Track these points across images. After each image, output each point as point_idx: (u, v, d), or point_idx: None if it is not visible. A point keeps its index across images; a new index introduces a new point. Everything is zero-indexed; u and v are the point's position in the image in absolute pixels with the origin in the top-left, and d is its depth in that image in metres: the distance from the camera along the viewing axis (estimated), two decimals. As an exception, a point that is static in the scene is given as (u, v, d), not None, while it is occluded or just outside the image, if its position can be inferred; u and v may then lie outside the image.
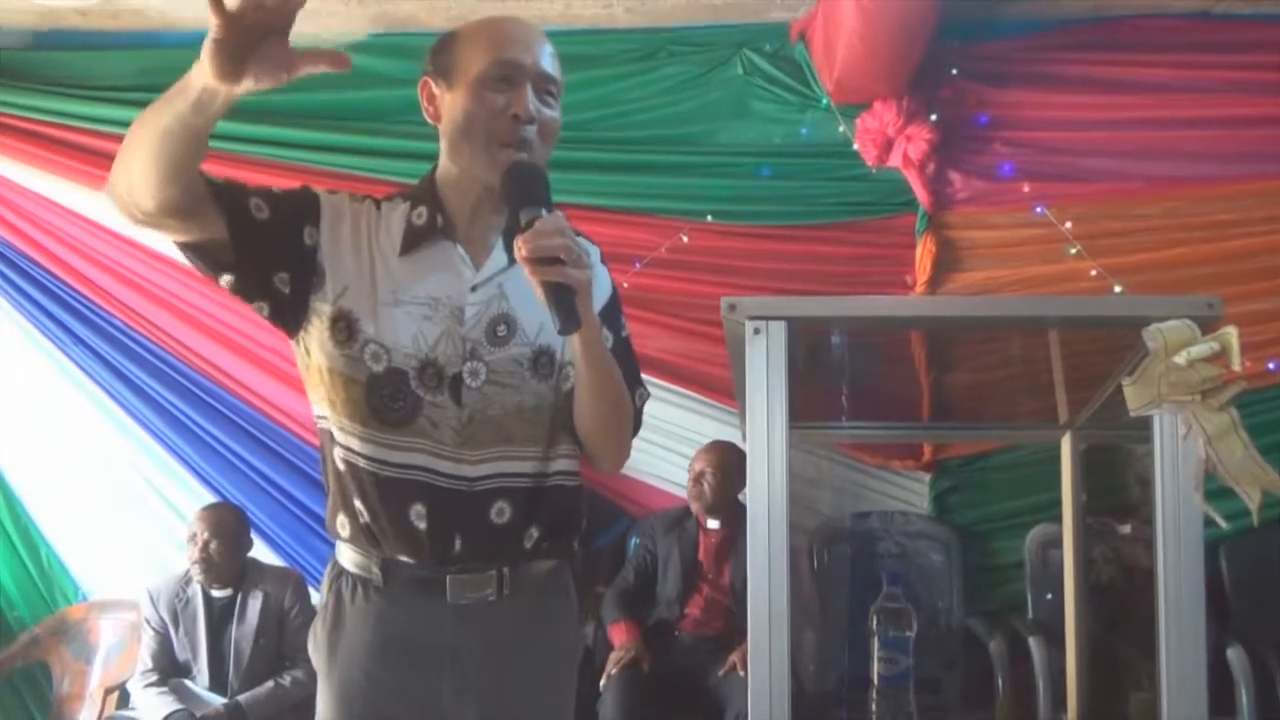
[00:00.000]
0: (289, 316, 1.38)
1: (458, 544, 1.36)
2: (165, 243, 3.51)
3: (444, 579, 1.37)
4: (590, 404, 1.38)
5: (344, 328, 1.37)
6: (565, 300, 1.23)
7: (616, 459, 1.48)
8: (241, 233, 1.31)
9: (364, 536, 1.39)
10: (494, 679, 1.39)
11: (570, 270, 1.23)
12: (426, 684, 1.38)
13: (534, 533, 1.40)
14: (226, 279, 1.33)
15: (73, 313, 3.71)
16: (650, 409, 3.67)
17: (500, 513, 1.38)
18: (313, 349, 1.40)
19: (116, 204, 1.27)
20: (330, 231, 1.38)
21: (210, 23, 1.04)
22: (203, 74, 1.07)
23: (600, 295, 1.43)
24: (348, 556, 1.43)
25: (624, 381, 1.41)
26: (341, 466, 1.40)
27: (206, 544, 3.14)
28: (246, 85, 1.08)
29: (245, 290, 1.35)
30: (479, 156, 1.35)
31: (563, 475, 1.43)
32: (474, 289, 1.38)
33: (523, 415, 1.39)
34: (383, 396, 1.36)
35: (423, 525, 1.36)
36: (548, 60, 1.38)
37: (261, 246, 1.33)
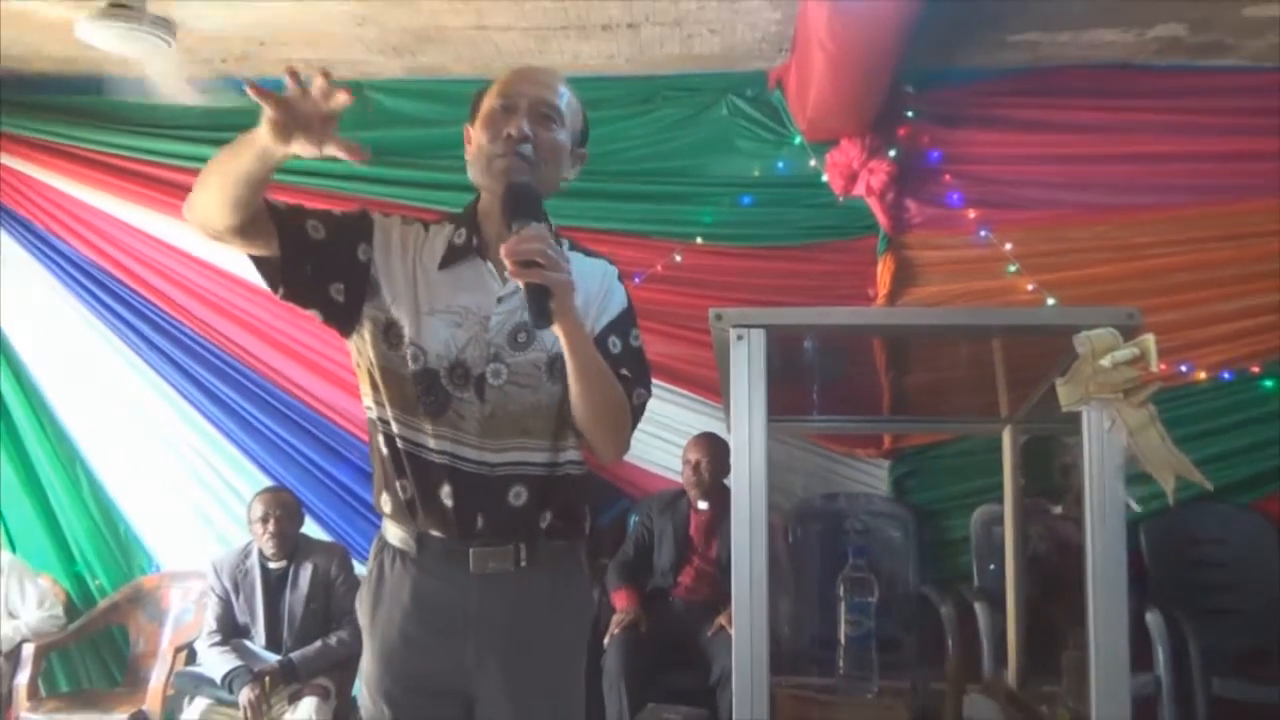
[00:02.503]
0: (343, 320, 1.40)
1: (480, 521, 1.36)
2: (228, 261, 3.58)
3: (468, 551, 1.37)
4: (578, 395, 1.34)
5: (393, 332, 1.38)
6: (538, 299, 1.22)
7: (613, 449, 1.41)
8: (294, 251, 1.33)
9: (403, 512, 1.40)
10: (512, 640, 1.38)
11: (547, 272, 1.21)
12: (453, 644, 1.38)
13: (548, 515, 1.40)
14: (280, 290, 1.36)
15: (149, 322, 3.72)
16: (648, 404, 3.64)
17: (518, 496, 1.37)
18: (365, 349, 1.41)
19: (193, 223, 1.31)
20: (381, 248, 1.40)
21: (265, 107, 1.12)
22: (262, 136, 1.15)
23: (614, 307, 1.44)
24: (391, 531, 1.43)
25: (619, 379, 1.38)
26: (385, 451, 1.41)
27: (280, 521, 3.14)
28: (295, 150, 1.15)
29: (298, 299, 1.37)
30: (486, 172, 1.37)
31: (570, 465, 1.42)
32: (500, 300, 1.38)
33: (538, 411, 1.38)
34: (419, 391, 1.37)
35: (450, 503, 1.36)
36: (551, 93, 1.39)
37: (316, 261, 1.35)
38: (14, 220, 3.76)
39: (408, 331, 1.37)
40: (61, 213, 3.75)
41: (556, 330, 1.27)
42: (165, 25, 2.99)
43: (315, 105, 1.13)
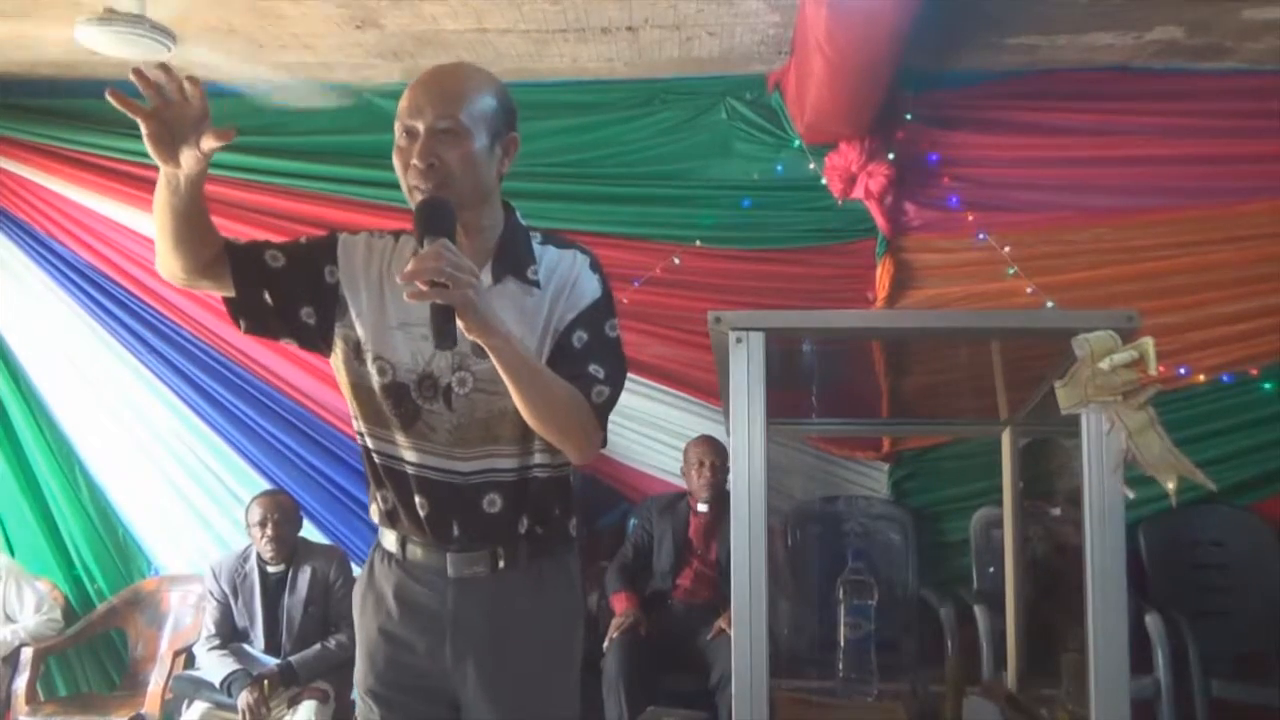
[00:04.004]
0: (319, 342, 1.41)
1: (455, 529, 1.38)
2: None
3: (446, 555, 1.38)
4: (517, 400, 1.29)
5: (359, 348, 1.39)
6: (439, 319, 1.19)
7: (574, 450, 1.35)
8: (248, 284, 1.36)
9: (386, 520, 1.43)
10: (489, 644, 1.38)
11: (448, 291, 1.16)
12: (432, 645, 1.39)
13: (525, 520, 1.39)
14: (241, 324, 1.39)
15: (147, 326, 3.71)
16: (645, 407, 3.66)
17: (492, 503, 1.38)
18: (339, 366, 1.42)
19: (164, 275, 1.38)
20: (346, 267, 1.40)
21: (137, 120, 1.17)
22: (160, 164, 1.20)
23: (583, 299, 1.39)
24: (383, 534, 1.46)
25: (578, 376, 1.33)
26: (366, 462, 1.44)
27: (278, 525, 3.14)
28: (187, 164, 1.19)
29: (262, 331, 1.40)
30: (411, 201, 1.33)
31: (538, 467, 1.40)
32: None
33: (506, 417, 1.36)
34: (390, 405, 1.38)
35: (424, 513, 1.38)
36: (447, 105, 1.31)
37: (278, 289, 1.37)
38: (12, 224, 3.77)
39: (374, 346, 1.38)
40: (60, 216, 3.75)
41: (476, 341, 1.22)
42: (164, 29, 2.99)
43: (181, 109, 1.17)
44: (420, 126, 1.32)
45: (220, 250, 1.34)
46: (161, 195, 1.26)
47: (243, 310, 1.37)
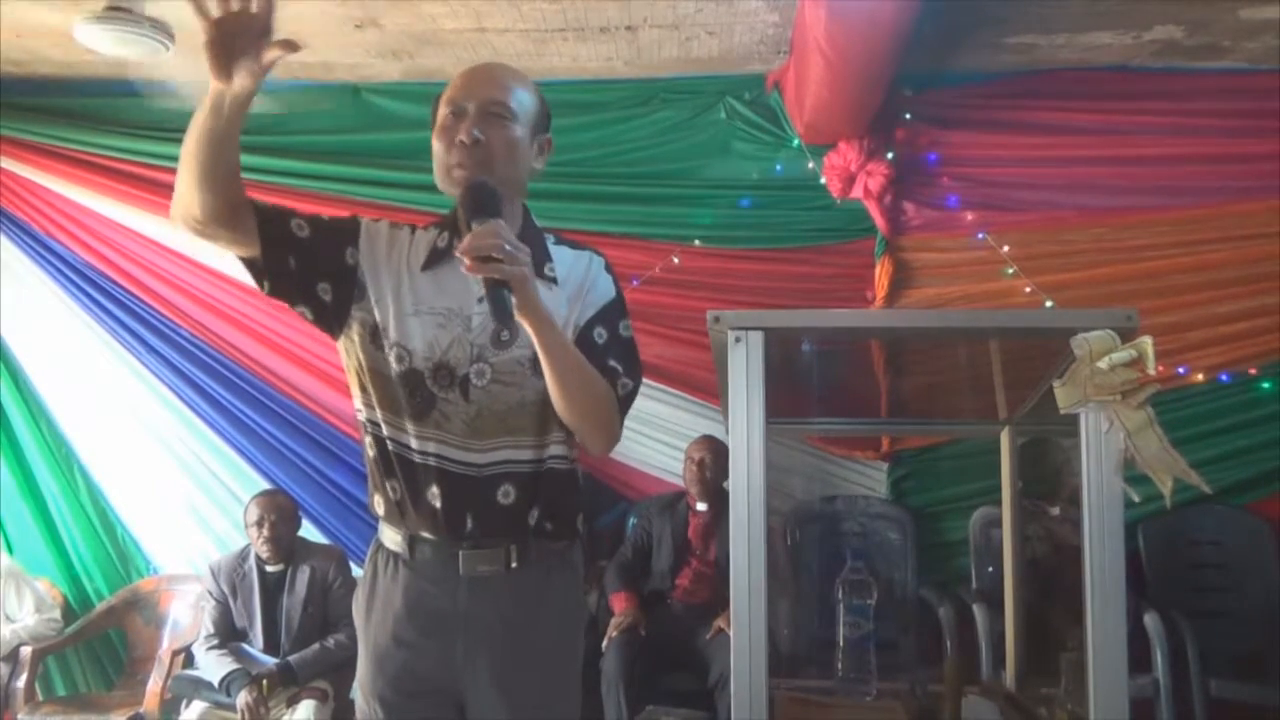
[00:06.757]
0: (331, 320, 1.40)
1: (469, 522, 1.36)
2: (223, 261, 3.58)
3: (458, 553, 1.37)
4: (553, 386, 1.33)
5: (379, 334, 1.38)
6: (496, 295, 1.22)
7: (600, 441, 1.39)
8: (276, 246, 1.33)
9: (394, 513, 1.39)
10: (501, 643, 1.38)
11: (504, 266, 1.21)
12: (444, 645, 1.38)
13: (536, 512, 1.39)
14: (266, 285, 1.35)
15: (147, 326, 3.72)
16: (645, 406, 3.66)
17: (506, 494, 1.37)
18: (353, 350, 1.41)
19: (177, 220, 1.30)
20: (368, 252, 1.40)
21: (201, 28, 1.11)
22: (211, 83, 1.14)
23: (600, 298, 1.43)
24: (385, 534, 1.43)
25: (605, 370, 1.37)
26: (374, 452, 1.41)
27: (275, 525, 3.14)
28: (240, 82, 1.14)
29: (284, 295, 1.37)
30: (445, 182, 1.37)
31: (555, 459, 1.40)
32: (481, 300, 1.37)
33: (524, 408, 1.37)
34: (404, 392, 1.37)
35: (438, 504, 1.36)
36: (498, 90, 1.37)
37: (301, 258, 1.35)
38: (13, 224, 3.76)
39: (393, 333, 1.37)
40: (61, 216, 3.75)
41: (522, 323, 1.26)
42: (163, 28, 2.99)
43: (244, 19, 1.12)
44: (470, 106, 1.36)
45: (244, 201, 1.30)
46: (200, 121, 1.19)
47: (268, 271, 1.34)
